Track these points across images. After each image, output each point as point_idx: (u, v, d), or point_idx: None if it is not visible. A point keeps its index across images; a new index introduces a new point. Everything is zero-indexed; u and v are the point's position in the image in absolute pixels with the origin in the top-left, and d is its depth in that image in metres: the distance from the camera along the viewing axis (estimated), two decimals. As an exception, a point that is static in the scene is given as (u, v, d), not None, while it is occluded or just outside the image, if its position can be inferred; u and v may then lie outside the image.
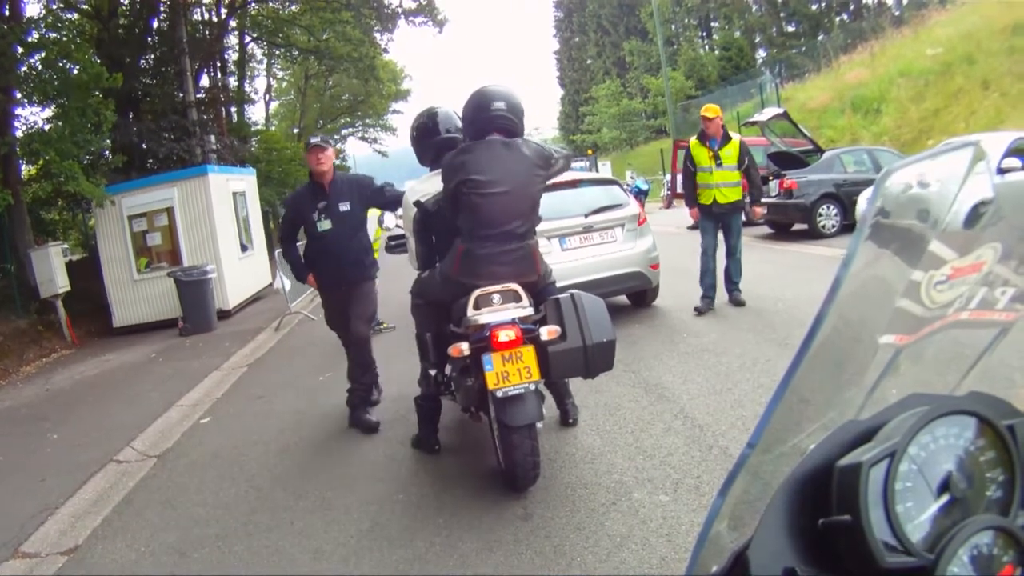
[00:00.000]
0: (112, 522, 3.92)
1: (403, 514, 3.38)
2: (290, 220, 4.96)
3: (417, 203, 3.91)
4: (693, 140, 6.60)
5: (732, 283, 6.62)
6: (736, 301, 6.53)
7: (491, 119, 3.51)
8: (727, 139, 6.45)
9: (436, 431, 4.08)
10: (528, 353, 3.20)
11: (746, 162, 6.45)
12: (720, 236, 6.55)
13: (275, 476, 4.17)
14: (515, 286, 3.39)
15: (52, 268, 10.30)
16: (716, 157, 6.37)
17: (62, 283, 10.45)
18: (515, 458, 3.20)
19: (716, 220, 6.51)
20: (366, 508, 3.50)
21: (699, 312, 6.43)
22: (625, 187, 7.93)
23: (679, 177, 16.01)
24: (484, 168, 3.41)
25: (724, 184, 6.39)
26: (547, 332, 3.22)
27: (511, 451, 3.20)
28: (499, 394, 3.15)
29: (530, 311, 3.36)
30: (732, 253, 6.58)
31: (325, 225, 4.64)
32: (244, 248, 12.83)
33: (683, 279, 7.13)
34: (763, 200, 11.67)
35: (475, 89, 3.64)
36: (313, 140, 4.75)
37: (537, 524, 3.05)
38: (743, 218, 6.76)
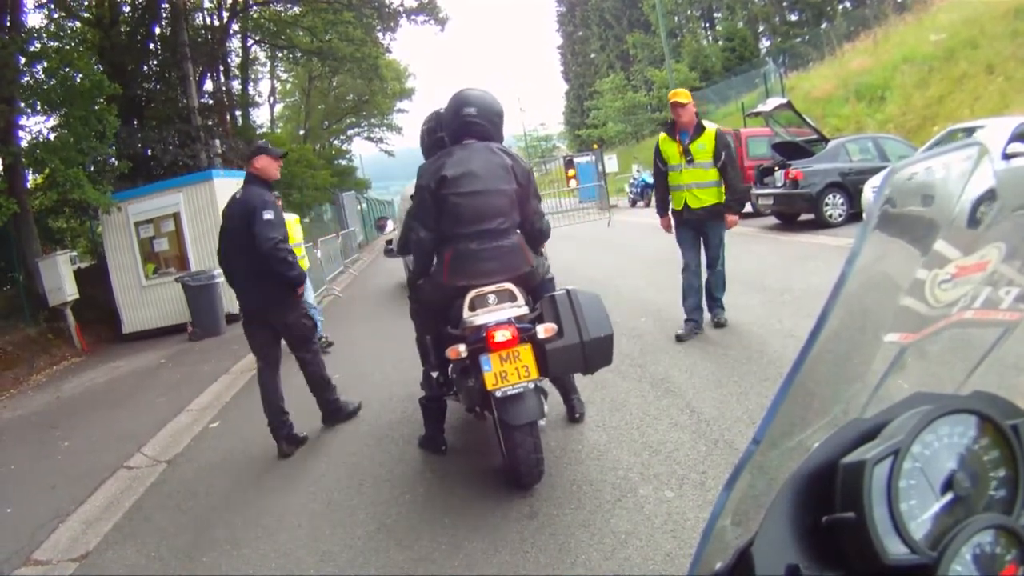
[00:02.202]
0: (123, 528, 3.95)
1: (409, 514, 3.39)
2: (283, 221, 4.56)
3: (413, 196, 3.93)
4: (662, 135, 5.63)
5: (713, 299, 5.66)
6: (717, 322, 5.60)
7: (464, 124, 3.58)
8: (700, 130, 5.40)
9: (442, 431, 4.09)
10: (526, 352, 3.21)
11: (723, 157, 5.36)
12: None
13: (283, 479, 4.18)
14: (510, 286, 3.41)
15: (60, 276, 10.40)
16: (686, 152, 5.39)
17: (71, 291, 10.54)
18: (518, 456, 3.21)
19: (694, 229, 5.59)
20: (372, 509, 3.51)
21: (680, 339, 5.46)
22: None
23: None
24: (460, 168, 3.45)
25: (696, 184, 5.41)
26: (544, 330, 3.23)
27: (514, 449, 3.21)
28: (498, 394, 3.16)
29: (525, 310, 3.37)
30: (712, 265, 5.58)
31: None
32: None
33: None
34: (770, 191, 11.77)
35: (454, 93, 3.71)
36: (276, 148, 4.94)
37: (543, 522, 3.05)
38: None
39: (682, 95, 5.43)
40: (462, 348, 3.25)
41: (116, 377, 8.54)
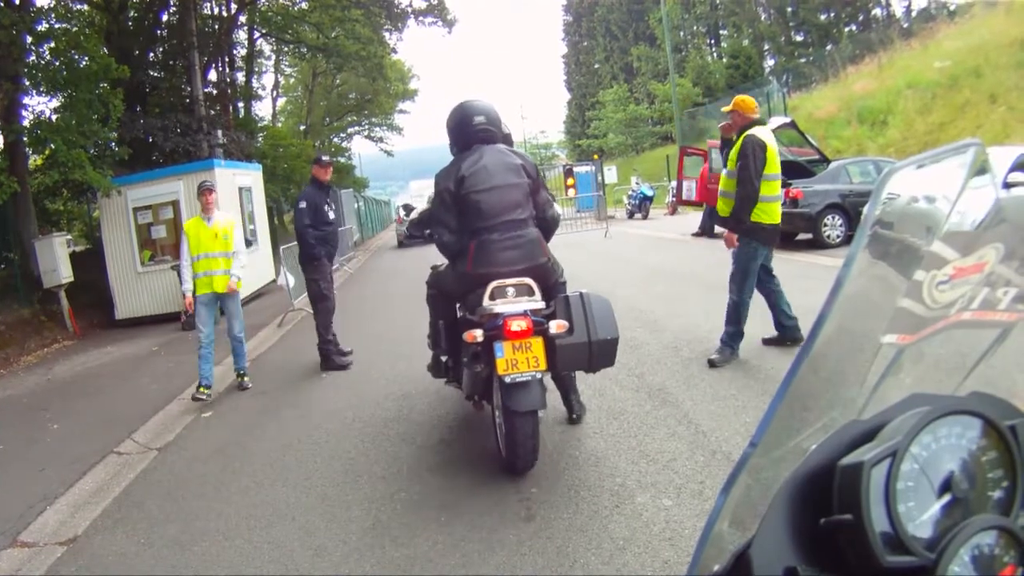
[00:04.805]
0: (112, 513, 3.94)
1: (405, 512, 3.40)
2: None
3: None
4: None
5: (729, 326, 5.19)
6: (711, 359, 5.08)
7: (474, 133, 3.92)
8: (738, 137, 5.15)
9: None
10: (537, 344, 3.40)
11: (739, 168, 5.02)
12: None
13: (276, 471, 4.18)
14: (529, 280, 3.61)
15: (56, 258, 10.36)
16: (726, 159, 5.50)
17: (65, 273, 10.50)
18: (517, 441, 3.39)
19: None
20: (368, 505, 3.51)
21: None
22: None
23: (684, 184, 16.09)
24: (476, 169, 3.76)
25: (722, 192, 5.46)
26: (556, 326, 3.43)
27: (514, 434, 3.38)
28: (507, 380, 3.34)
29: (541, 305, 3.57)
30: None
31: (331, 215, 6.54)
32: (248, 243, 12.81)
33: (683, 286, 7.10)
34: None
35: (456, 105, 4.05)
36: (325, 158, 6.64)
37: (540, 525, 3.07)
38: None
39: (734, 102, 5.26)
40: (479, 333, 3.45)
41: (108, 362, 8.51)
